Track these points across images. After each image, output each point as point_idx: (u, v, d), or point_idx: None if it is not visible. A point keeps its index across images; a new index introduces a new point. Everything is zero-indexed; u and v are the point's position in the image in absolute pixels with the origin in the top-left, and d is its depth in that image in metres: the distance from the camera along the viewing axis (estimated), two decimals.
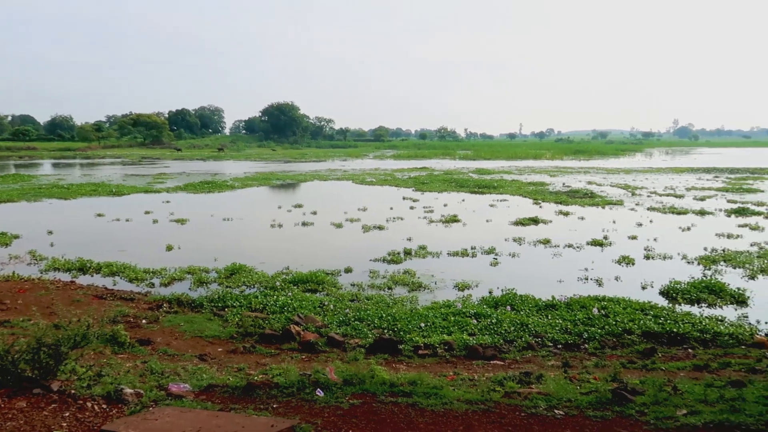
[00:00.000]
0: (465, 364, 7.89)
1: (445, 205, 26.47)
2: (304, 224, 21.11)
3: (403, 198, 29.62)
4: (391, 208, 25.15)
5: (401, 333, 9.16)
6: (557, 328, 9.43)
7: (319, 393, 5.14)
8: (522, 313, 10.19)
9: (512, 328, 9.37)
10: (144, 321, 9.80)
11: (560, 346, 8.91)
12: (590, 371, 7.20)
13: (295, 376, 5.52)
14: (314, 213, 23.82)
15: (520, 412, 4.73)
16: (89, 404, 4.83)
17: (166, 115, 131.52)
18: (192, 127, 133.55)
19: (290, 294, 11.44)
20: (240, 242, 17.88)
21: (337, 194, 33.00)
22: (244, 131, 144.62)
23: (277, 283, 12.34)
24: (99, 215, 23.10)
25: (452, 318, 9.82)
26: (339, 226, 20.77)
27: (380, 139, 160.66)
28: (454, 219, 22.11)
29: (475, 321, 9.73)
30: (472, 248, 16.30)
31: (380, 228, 20.15)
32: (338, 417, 4.66)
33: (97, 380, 5.38)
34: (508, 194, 31.26)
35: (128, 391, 5.09)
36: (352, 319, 9.82)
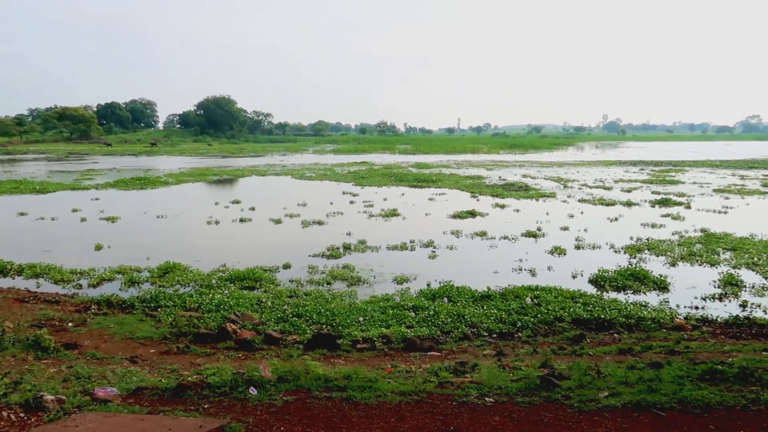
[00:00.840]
0: (403, 356, 7.95)
1: (384, 200, 26.59)
2: (242, 220, 20.71)
3: (343, 193, 29.55)
4: (331, 203, 25.04)
5: (340, 328, 9.14)
6: (492, 318, 9.66)
7: (253, 391, 5.06)
8: (459, 304, 10.37)
9: (449, 320, 9.54)
10: (71, 324, 9.35)
11: (495, 335, 9.13)
12: (523, 359, 7.41)
13: (229, 375, 5.42)
14: (252, 209, 23.41)
15: (452, 401, 4.82)
16: (5, 413, 4.56)
17: (95, 109, 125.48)
18: (123, 122, 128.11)
19: (227, 292, 11.20)
20: (175, 240, 17.35)
21: (276, 190, 32.56)
22: (178, 126, 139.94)
23: (213, 281, 12.06)
24: (21, 214, 21.86)
25: (391, 311, 9.88)
26: (278, 221, 20.51)
27: (320, 133, 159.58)
28: (393, 213, 22.24)
29: (413, 314, 9.83)
30: (411, 242, 16.45)
31: (320, 223, 20.03)
32: (271, 414, 4.60)
33: (14, 388, 5.08)
34: (447, 188, 31.73)
35: (49, 397, 4.84)
36: (291, 316, 9.73)
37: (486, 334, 9.14)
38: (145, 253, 14.88)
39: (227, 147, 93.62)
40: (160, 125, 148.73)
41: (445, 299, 10.58)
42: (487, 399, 4.86)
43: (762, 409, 4.42)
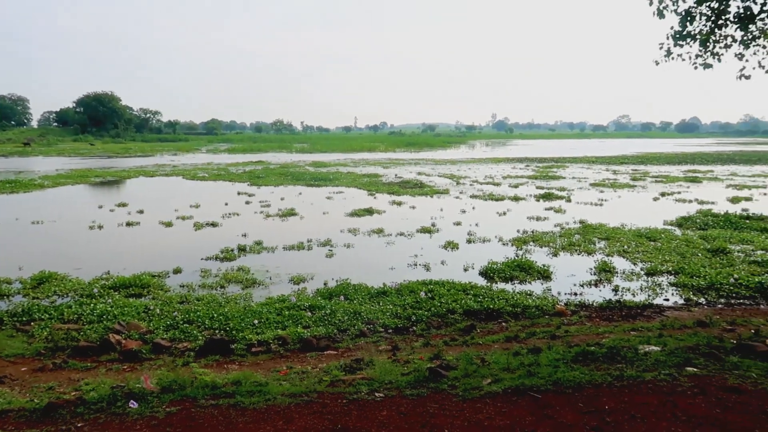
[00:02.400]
0: (299, 357, 7.88)
1: (282, 199, 26.21)
2: (128, 224, 19.55)
3: (239, 193, 28.77)
4: (226, 204, 24.30)
5: (234, 332, 8.89)
6: (388, 314, 9.82)
7: (133, 405, 4.78)
8: (355, 301, 10.44)
9: (346, 318, 9.57)
10: None
11: (391, 330, 9.29)
12: (417, 352, 7.60)
13: (106, 390, 5.08)
14: (140, 212, 22.17)
15: (342, 399, 4.84)
16: None
17: None
18: None
19: (110, 301, 10.53)
20: (52, 248, 16.05)
21: (166, 191, 31.08)
22: (55, 124, 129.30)
23: (96, 290, 11.28)
24: None
25: (287, 312, 9.75)
26: (168, 224, 19.57)
27: (213, 132, 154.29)
28: (291, 212, 21.98)
29: (309, 313, 9.76)
30: (308, 241, 16.33)
31: (214, 225, 19.37)
32: (151, 428, 4.37)
33: None
34: (344, 186, 31.83)
35: None
36: (181, 322, 9.32)
37: (382, 329, 9.27)
38: (17, 263, 13.64)
39: (112, 147, 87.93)
40: (34, 123, 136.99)
41: (342, 297, 10.61)
42: (377, 394, 4.93)
43: (625, 385, 4.84)
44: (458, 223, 19.41)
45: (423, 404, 4.62)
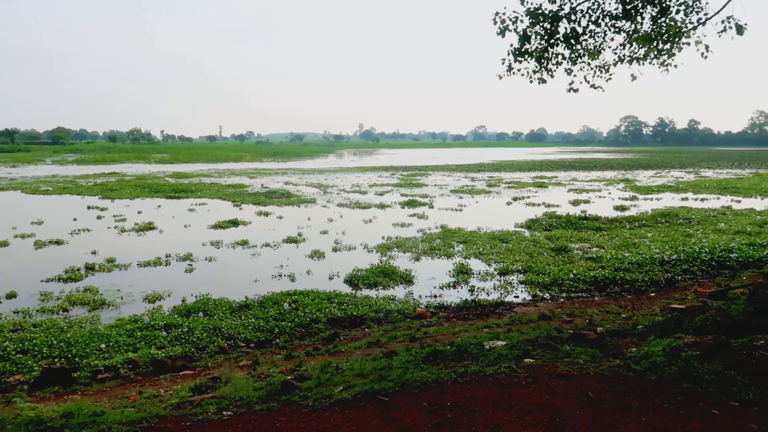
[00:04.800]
0: (152, 380, 7.42)
1: (139, 212, 24.60)
2: None
3: (89, 207, 26.53)
4: (75, 219, 22.29)
5: (77, 359, 8.16)
6: (250, 328, 9.57)
7: None
8: (215, 317, 10.05)
9: (205, 335, 9.18)
10: None
11: (253, 344, 9.06)
12: (278, 365, 7.47)
13: None
14: None
15: (186, 421, 4.62)
16: None
17: None
18: None
19: None
20: None
21: (1, 207, 27.85)
22: None
23: None
24: None
25: (139, 333, 9.14)
26: (3, 244, 17.53)
27: (60, 141, 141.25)
28: (149, 227, 20.69)
29: (164, 333, 9.23)
30: (167, 256, 15.47)
31: (59, 243, 17.67)
32: None
33: None
34: (208, 197, 30.63)
35: None
36: (14, 353, 8.37)
37: (243, 344, 9.02)
38: None
39: None
40: None
41: (201, 314, 10.16)
42: (225, 413, 4.77)
43: (468, 380, 5.14)
44: (325, 232, 19.46)
45: (272, 419, 4.54)
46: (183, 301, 11.34)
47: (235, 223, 21.50)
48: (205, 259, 15.38)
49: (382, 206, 26.68)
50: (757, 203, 26.85)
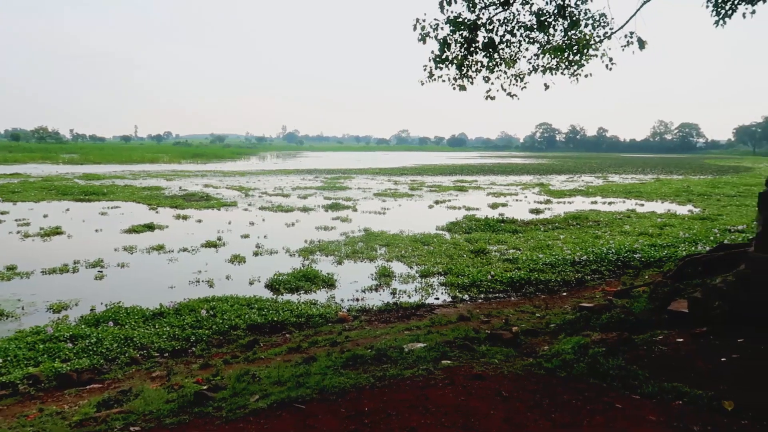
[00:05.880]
0: (55, 396, 6.96)
1: (45, 216, 23.07)
2: None
3: None
4: None
5: None
6: (165, 337, 9.19)
7: None
8: (127, 326, 9.58)
9: (115, 345, 8.72)
10: None
11: (167, 354, 8.70)
12: (194, 374, 7.22)
13: None
14: None
15: None
16: None
17: None
18: None
19: None
20: None
21: None
22: None
23: None
24: None
25: (42, 346, 8.56)
26: None
27: None
28: (56, 231, 19.45)
29: (70, 345, 8.69)
30: (75, 262, 14.60)
31: None
32: None
33: None
34: (121, 200, 29.22)
35: None
36: None
37: (157, 354, 8.65)
38: None
39: None
40: None
41: (111, 323, 9.65)
42: (132, 429, 4.54)
43: (386, 384, 5.17)
44: (246, 236, 19.04)
45: None
46: (92, 310, 10.73)
47: (150, 227, 20.62)
48: (117, 266, 14.64)
49: (305, 209, 26.43)
50: (658, 206, 28.78)
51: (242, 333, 9.56)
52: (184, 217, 23.48)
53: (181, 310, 10.41)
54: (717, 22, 11.87)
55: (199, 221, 22.61)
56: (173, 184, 39.34)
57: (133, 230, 19.99)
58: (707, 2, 11.92)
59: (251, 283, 13.02)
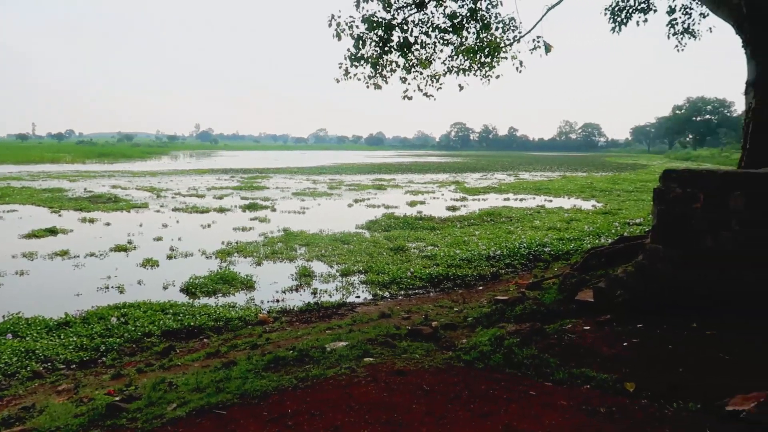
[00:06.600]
0: None
1: None
2: None
3: None
4: None
5: None
6: (71, 347, 8.67)
7: None
8: (28, 338, 8.96)
9: (15, 359, 8.13)
10: None
11: (75, 365, 8.22)
12: (105, 385, 6.86)
13: None
14: None
15: None
16: None
17: None
18: None
19: None
20: None
21: None
22: None
23: None
24: None
25: None
26: None
27: None
28: None
29: None
30: None
31: None
32: None
33: None
34: (18, 203, 27.18)
35: None
36: None
37: (63, 366, 8.15)
38: None
39: None
40: None
41: (10, 335, 8.99)
42: None
43: (309, 385, 5.16)
44: (159, 239, 18.28)
45: None
46: None
47: (53, 231, 19.35)
48: (15, 274, 13.64)
49: (221, 210, 25.73)
50: (565, 202, 30.37)
51: (157, 340, 9.20)
52: (91, 220, 22.22)
53: (89, 318, 9.87)
54: (614, 29, 12.71)
55: (108, 224, 21.48)
56: (77, 186, 37.10)
57: (34, 235, 18.69)
58: (605, 10, 12.74)
59: (165, 288, 12.54)
